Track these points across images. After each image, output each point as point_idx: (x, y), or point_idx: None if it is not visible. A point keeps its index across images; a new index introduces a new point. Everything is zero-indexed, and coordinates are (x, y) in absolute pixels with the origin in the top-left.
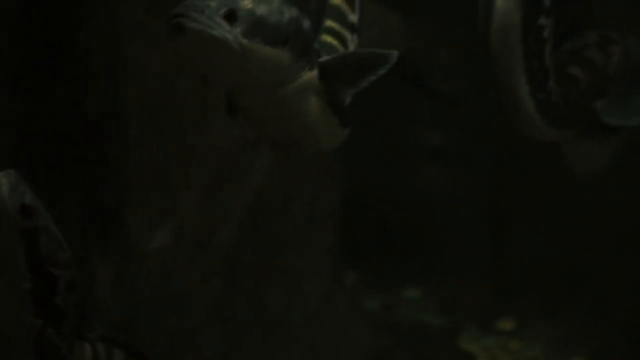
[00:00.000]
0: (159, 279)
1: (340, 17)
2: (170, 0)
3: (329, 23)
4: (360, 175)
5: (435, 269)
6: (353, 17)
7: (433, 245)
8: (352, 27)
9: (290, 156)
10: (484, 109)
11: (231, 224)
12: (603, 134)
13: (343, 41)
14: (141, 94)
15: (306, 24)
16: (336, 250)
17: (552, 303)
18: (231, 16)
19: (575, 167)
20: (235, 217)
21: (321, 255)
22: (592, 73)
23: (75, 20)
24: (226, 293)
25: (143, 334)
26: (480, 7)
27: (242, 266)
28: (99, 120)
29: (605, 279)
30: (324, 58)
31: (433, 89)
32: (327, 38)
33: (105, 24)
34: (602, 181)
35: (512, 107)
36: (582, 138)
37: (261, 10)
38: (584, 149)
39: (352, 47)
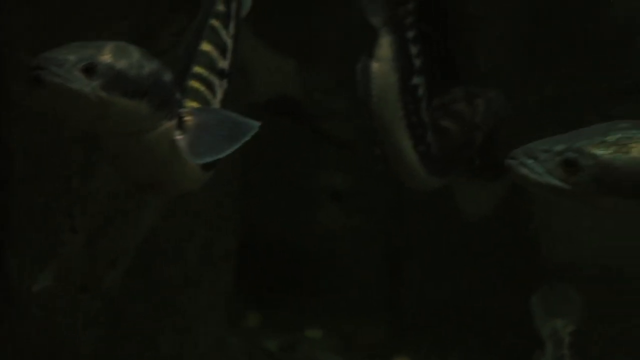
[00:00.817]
0: (42, 323)
1: (210, 64)
2: (55, 42)
3: (197, 69)
4: (260, 216)
5: (335, 309)
6: (223, 64)
7: (333, 285)
8: (221, 73)
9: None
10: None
11: (119, 268)
12: (484, 180)
13: (211, 87)
14: (26, 134)
15: (167, 76)
16: (233, 292)
17: (448, 342)
18: (90, 70)
19: (465, 211)
20: (124, 261)
21: (216, 298)
22: (461, 124)
23: None
24: (113, 338)
25: None
26: (358, 72)
27: (131, 311)
28: None
29: (497, 317)
30: (184, 109)
31: (329, 133)
32: (195, 84)
33: None
34: (489, 223)
35: (397, 162)
36: (467, 184)
37: (120, 64)
38: (472, 194)
39: (220, 93)
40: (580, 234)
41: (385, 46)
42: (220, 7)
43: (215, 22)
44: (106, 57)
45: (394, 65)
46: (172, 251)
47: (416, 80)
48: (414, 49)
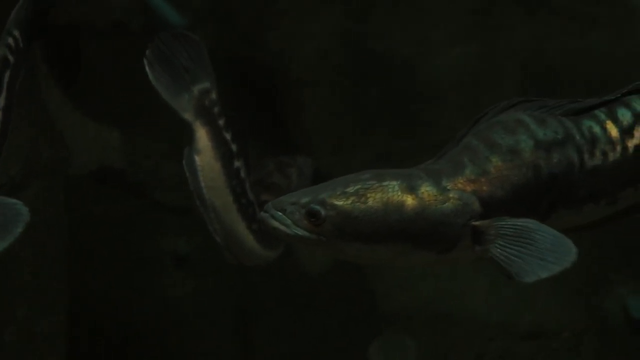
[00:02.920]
0: None
1: None
2: None
3: None
4: (97, 289)
5: None
6: None
7: (182, 352)
8: None
9: None
10: None
11: None
12: None
13: None
14: None
15: None
16: None
17: None
18: None
19: (306, 266)
20: None
21: None
22: (279, 195)
23: None
24: None
25: None
26: (185, 166)
27: None
28: None
29: None
30: None
31: (161, 200)
32: None
33: None
34: (329, 276)
35: (235, 245)
36: None
37: None
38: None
39: None
40: (412, 282)
41: (203, 138)
42: None
43: None
44: None
45: (215, 155)
46: None
47: (237, 163)
48: (228, 135)
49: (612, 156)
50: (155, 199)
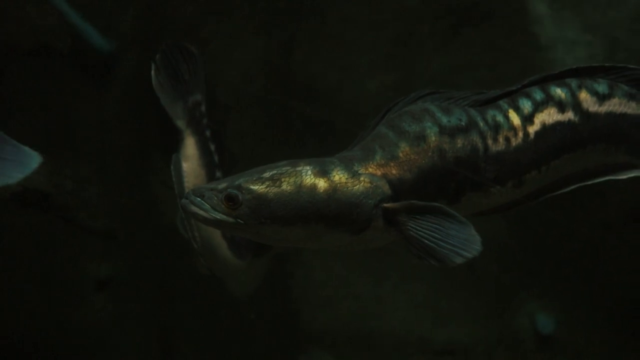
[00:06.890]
0: None
1: None
2: None
3: None
4: (19, 311)
5: None
6: None
7: None
8: None
9: None
10: (148, 240)
11: None
12: (252, 257)
13: None
14: None
15: None
16: None
17: None
18: None
19: (233, 290)
20: None
21: None
22: None
23: None
24: None
25: None
26: (173, 172)
27: None
28: None
29: None
30: None
31: (85, 223)
32: None
33: None
34: (255, 300)
35: (210, 251)
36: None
37: None
38: (240, 273)
39: None
40: (334, 302)
41: (191, 146)
42: None
43: None
44: None
45: (200, 163)
46: None
47: (218, 173)
48: (212, 146)
49: (514, 141)
50: (78, 222)
